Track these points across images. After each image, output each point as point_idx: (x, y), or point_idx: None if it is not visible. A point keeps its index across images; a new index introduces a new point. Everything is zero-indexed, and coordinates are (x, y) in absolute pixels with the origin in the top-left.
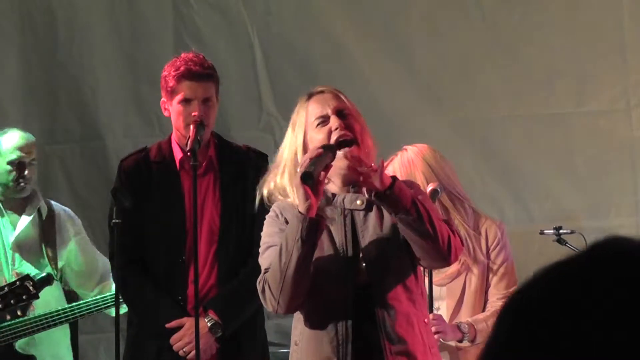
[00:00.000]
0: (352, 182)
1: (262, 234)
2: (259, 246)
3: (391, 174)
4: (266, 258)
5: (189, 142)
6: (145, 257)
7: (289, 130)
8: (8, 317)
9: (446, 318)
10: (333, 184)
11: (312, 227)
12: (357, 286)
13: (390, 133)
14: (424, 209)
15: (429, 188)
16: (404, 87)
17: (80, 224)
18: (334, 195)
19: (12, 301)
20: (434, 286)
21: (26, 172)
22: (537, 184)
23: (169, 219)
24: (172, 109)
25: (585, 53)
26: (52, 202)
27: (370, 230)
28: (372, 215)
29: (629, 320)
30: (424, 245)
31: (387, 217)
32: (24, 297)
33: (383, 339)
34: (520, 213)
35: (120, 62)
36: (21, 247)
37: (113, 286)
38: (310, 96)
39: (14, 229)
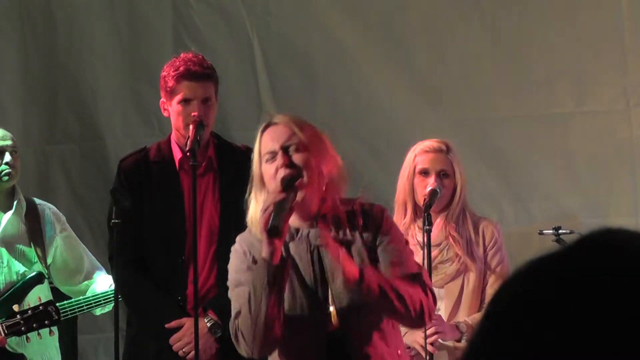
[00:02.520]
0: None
1: (230, 266)
2: None
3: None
4: (235, 299)
5: (188, 142)
6: (144, 257)
7: (252, 159)
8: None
9: (445, 318)
10: (294, 217)
11: (278, 273)
12: (329, 330)
13: (389, 133)
14: (392, 293)
15: (428, 188)
16: (404, 87)
17: (65, 220)
18: (296, 229)
19: (34, 325)
20: (433, 287)
21: (9, 158)
22: (537, 184)
23: (169, 219)
24: (172, 109)
25: (585, 53)
26: (35, 199)
27: (339, 275)
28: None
29: (588, 322)
30: (395, 317)
31: (357, 256)
32: (46, 322)
33: None
34: (519, 213)
35: (120, 62)
36: (8, 243)
37: (98, 285)
38: (265, 127)
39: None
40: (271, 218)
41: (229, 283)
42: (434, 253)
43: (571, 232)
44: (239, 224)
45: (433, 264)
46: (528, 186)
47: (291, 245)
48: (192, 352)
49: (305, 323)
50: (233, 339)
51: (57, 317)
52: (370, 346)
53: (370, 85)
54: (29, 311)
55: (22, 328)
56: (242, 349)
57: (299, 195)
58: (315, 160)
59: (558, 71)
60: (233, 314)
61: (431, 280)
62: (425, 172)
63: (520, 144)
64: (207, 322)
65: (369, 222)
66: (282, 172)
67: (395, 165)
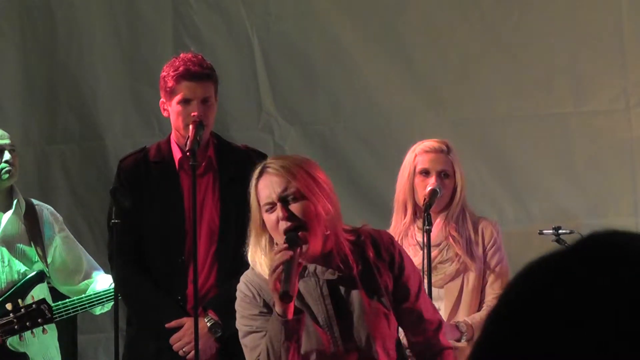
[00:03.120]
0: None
1: (239, 314)
2: None
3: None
4: (251, 347)
5: (188, 142)
6: (144, 257)
7: (250, 202)
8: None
9: (444, 318)
10: (303, 256)
11: (294, 326)
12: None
13: (389, 133)
14: None
15: (428, 188)
16: (404, 87)
17: (62, 221)
18: (304, 267)
19: (27, 323)
20: (433, 287)
21: (8, 157)
22: (537, 184)
23: (169, 219)
24: (171, 109)
25: (584, 53)
26: (33, 200)
27: (355, 305)
28: (354, 290)
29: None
30: None
31: (370, 288)
32: (39, 320)
33: None
34: (519, 213)
35: (120, 62)
36: (8, 243)
37: (98, 283)
38: (260, 174)
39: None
40: (282, 284)
41: (239, 326)
42: (433, 253)
43: (571, 232)
44: (239, 224)
45: (433, 264)
46: (528, 186)
47: (300, 284)
48: (192, 352)
49: (323, 357)
50: None
51: (50, 316)
52: None
53: (370, 86)
54: (22, 309)
55: (16, 327)
56: None
57: (304, 248)
58: (313, 206)
59: (558, 71)
60: None
61: (430, 282)
62: (425, 172)
63: (520, 144)
64: (207, 321)
65: (380, 250)
66: (284, 225)
67: (395, 165)
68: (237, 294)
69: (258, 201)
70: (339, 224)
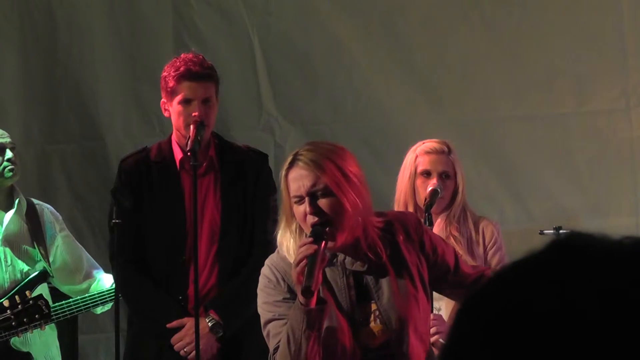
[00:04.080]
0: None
1: (262, 299)
2: (259, 246)
3: None
4: (273, 334)
5: (189, 142)
6: (145, 257)
7: (280, 189)
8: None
9: (446, 318)
10: (331, 244)
11: (316, 315)
12: (372, 346)
13: (389, 133)
14: None
15: (429, 189)
16: (404, 87)
17: (62, 220)
18: (333, 255)
19: (25, 319)
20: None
21: (10, 154)
22: (537, 184)
23: (170, 219)
24: (172, 109)
25: (585, 53)
26: (33, 199)
27: (385, 292)
28: (383, 277)
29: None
30: None
31: (401, 272)
32: (36, 316)
33: None
34: (520, 213)
35: (120, 62)
36: (11, 242)
37: (102, 282)
38: (289, 167)
39: (1, 224)
40: (304, 278)
41: (261, 312)
42: None
43: None
44: (240, 224)
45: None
46: (528, 186)
47: (327, 271)
48: (194, 352)
49: (342, 345)
50: None
51: (47, 311)
52: (416, 356)
53: (370, 85)
54: (19, 306)
55: (13, 323)
56: None
57: (329, 244)
58: (341, 201)
59: (558, 71)
60: (271, 347)
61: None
62: (427, 174)
63: (520, 144)
64: (209, 321)
65: (409, 232)
66: (311, 220)
67: (395, 165)
68: (261, 278)
69: (288, 191)
70: (368, 214)
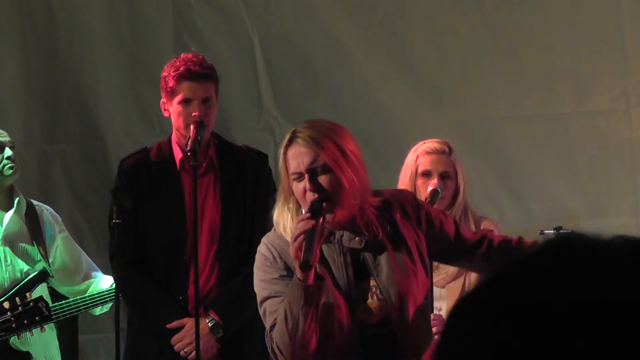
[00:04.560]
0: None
1: (258, 277)
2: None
3: None
4: (270, 311)
5: (189, 142)
6: (145, 257)
7: (279, 167)
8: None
9: (446, 318)
10: (328, 223)
11: (314, 292)
12: (371, 323)
13: (389, 133)
14: None
15: (429, 188)
16: (404, 87)
17: (61, 221)
18: (330, 232)
19: (25, 321)
20: (434, 287)
21: (10, 153)
22: (537, 184)
23: (170, 220)
24: (172, 109)
25: (585, 53)
26: (33, 200)
27: (383, 268)
28: (381, 253)
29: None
30: None
31: (399, 248)
32: (37, 318)
33: None
34: (520, 213)
35: (120, 62)
36: (11, 242)
37: (101, 283)
38: (288, 144)
39: (1, 224)
40: (303, 252)
41: (257, 290)
42: None
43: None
44: (240, 224)
45: (435, 264)
46: (528, 186)
47: (324, 248)
48: (194, 353)
49: (339, 323)
50: (270, 352)
51: (47, 313)
52: (417, 330)
53: (370, 85)
54: (20, 307)
55: (14, 325)
56: None
57: (328, 217)
58: (339, 178)
59: (558, 71)
60: (268, 326)
61: (432, 281)
62: (427, 174)
63: (520, 144)
64: (209, 322)
65: (407, 209)
66: (311, 196)
67: (395, 165)
68: (257, 256)
69: (287, 168)
70: (365, 193)
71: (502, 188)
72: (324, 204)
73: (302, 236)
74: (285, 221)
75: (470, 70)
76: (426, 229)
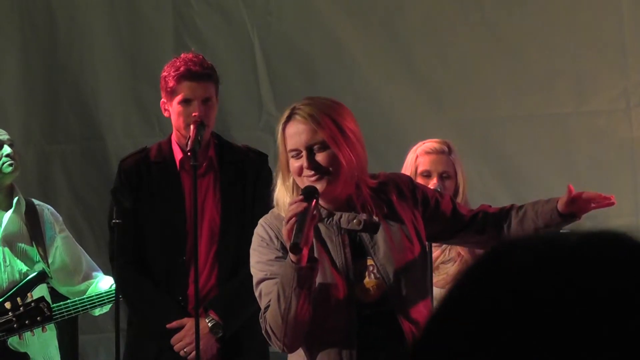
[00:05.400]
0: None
1: (255, 259)
2: None
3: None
4: (265, 293)
5: (189, 143)
6: (145, 257)
7: (277, 143)
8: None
9: None
10: (326, 201)
11: (307, 274)
12: (367, 301)
13: (389, 133)
14: None
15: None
16: (404, 87)
17: (62, 221)
18: (328, 212)
19: (26, 322)
20: (434, 287)
21: (9, 150)
22: (537, 184)
23: (170, 220)
24: (172, 109)
25: (585, 53)
26: (34, 200)
27: (380, 246)
28: (378, 233)
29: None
30: None
31: (396, 227)
32: (38, 318)
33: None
34: None
35: (120, 62)
36: (10, 242)
37: (100, 284)
38: (287, 120)
39: (1, 224)
40: (293, 234)
41: (254, 272)
42: (436, 253)
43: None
44: (240, 224)
45: (435, 264)
46: (528, 186)
47: (322, 227)
48: (193, 353)
49: (337, 303)
50: (263, 332)
51: (49, 314)
52: (415, 307)
53: (370, 85)
54: (21, 308)
55: (15, 325)
56: (273, 343)
57: (325, 196)
58: (337, 156)
59: (558, 71)
60: (262, 306)
61: (432, 280)
62: (427, 174)
63: (520, 144)
64: (208, 322)
65: (403, 190)
66: (307, 174)
67: (395, 165)
68: (254, 238)
69: (285, 145)
70: (362, 172)
71: (502, 188)
72: (317, 187)
73: (293, 219)
74: (284, 199)
75: (470, 70)
76: (422, 209)
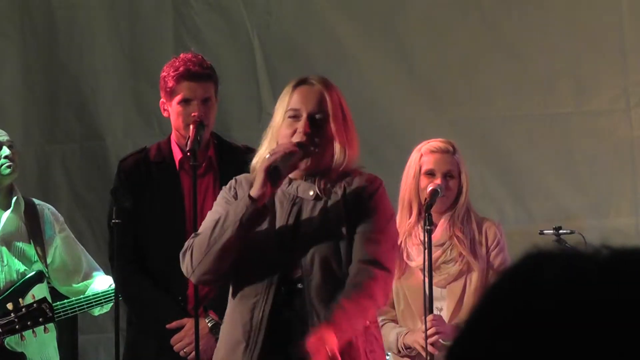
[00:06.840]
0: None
1: (216, 203)
2: None
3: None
4: (205, 223)
5: (188, 143)
6: (145, 257)
7: (276, 108)
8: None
9: (447, 318)
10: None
11: (256, 215)
12: (287, 278)
13: (389, 133)
14: (350, 328)
15: (430, 188)
16: (404, 87)
17: (63, 221)
18: (290, 179)
19: (28, 323)
20: (434, 287)
21: (8, 152)
22: (537, 184)
23: (169, 220)
24: (172, 109)
25: (585, 53)
26: (34, 199)
27: (315, 221)
28: (320, 206)
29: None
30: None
31: (336, 211)
32: (40, 319)
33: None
34: (520, 213)
35: (120, 62)
36: (8, 242)
37: (97, 284)
38: (298, 84)
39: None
40: (279, 159)
41: (210, 216)
42: (437, 253)
43: (572, 232)
44: None
45: (436, 264)
46: (528, 186)
47: (279, 192)
48: (193, 353)
49: (263, 264)
50: (180, 255)
51: (50, 315)
52: (323, 285)
53: (371, 85)
54: (23, 309)
55: (17, 326)
56: (185, 265)
57: (306, 161)
58: (333, 131)
59: (558, 71)
60: (194, 234)
61: (431, 281)
62: (431, 173)
63: (520, 144)
64: (208, 322)
65: (364, 189)
66: (298, 138)
67: (395, 165)
68: (223, 188)
69: (286, 106)
70: (350, 162)
71: (502, 188)
72: (311, 148)
73: (280, 153)
74: (259, 156)
75: (470, 70)
76: (360, 217)
